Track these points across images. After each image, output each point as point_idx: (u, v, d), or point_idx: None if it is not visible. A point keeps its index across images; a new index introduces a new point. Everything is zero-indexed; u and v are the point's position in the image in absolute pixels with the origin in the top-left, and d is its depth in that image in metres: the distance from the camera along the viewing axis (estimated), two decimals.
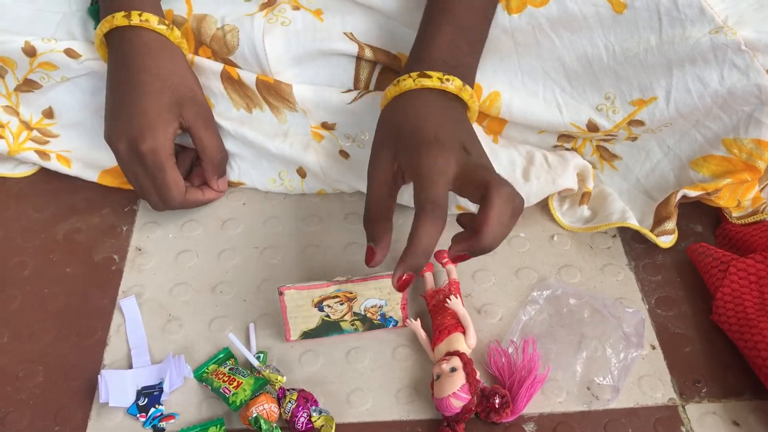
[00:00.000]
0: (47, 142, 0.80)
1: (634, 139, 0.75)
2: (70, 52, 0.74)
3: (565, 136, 0.76)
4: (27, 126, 0.79)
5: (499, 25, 0.68)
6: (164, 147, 0.68)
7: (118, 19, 0.69)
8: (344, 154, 0.75)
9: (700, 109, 0.69)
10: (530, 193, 0.73)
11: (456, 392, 0.57)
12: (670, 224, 0.72)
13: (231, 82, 0.74)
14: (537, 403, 0.61)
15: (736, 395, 0.62)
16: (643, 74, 0.69)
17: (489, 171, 0.58)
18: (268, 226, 0.75)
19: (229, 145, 0.76)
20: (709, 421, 0.60)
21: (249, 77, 0.74)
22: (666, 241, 0.72)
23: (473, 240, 0.56)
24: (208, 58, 0.74)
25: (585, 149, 0.78)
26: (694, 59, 0.66)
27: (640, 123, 0.71)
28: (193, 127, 0.70)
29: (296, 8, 0.73)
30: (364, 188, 0.72)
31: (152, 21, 0.69)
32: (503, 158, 0.74)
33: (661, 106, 0.70)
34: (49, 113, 0.80)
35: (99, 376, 0.62)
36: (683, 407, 0.61)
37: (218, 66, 0.74)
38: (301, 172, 0.77)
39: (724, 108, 0.69)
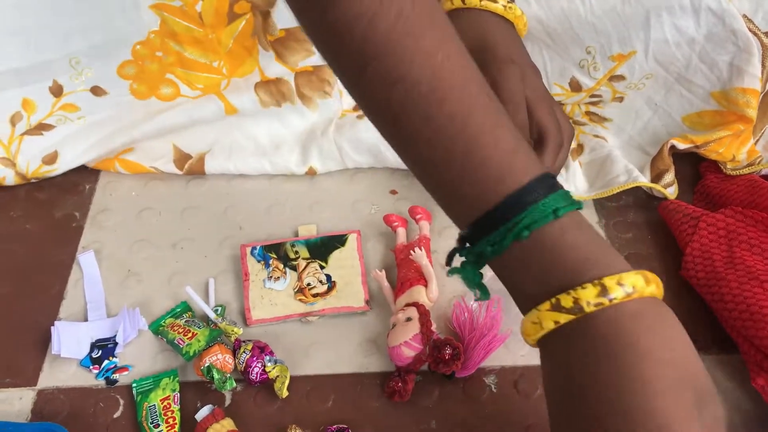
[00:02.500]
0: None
1: (621, 99, 0.74)
2: (96, 90, 0.72)
3: None
4: (23, 178, 0.73)
5: None
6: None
7: (590, 301, 0.39)
8: (361, 117, 0.74)
9: (680, 60, 0.69)
10: None
11: (408, 341, 0.56)
12: (670, 176, 0.71)
13: (265, 84, 0.73)
14: (499, 357, 0.60)
15: (704, 350, 0.60)
16: (622, 26, 0.69)
17: (546, 111, 0.61)
18: (234, 185, 0.74)
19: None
20: None
21: (286, 75, 0.73)
22: (671, 192, 0.71)
23: None
24: (243, 14, 0.70)
25: (574, 114, 0.77)
26: (671, 7, 0.67)
27: (621, 78, 0.72)
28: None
29: None
30: (380, 156, 0.73)
31: (639, 283, 0.41)
32: None
33: (640, 59, 0.70)
34: (51, 159, 0.73)
35: (52, 328, 0.61)
36: None
37: (255, 80, 0.73)
38: (311, 171, 0.75)
39: (704, 58, 0.69)
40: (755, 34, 0.68)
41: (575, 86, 0.74)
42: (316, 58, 0.72)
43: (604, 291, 0.38)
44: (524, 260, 0.41)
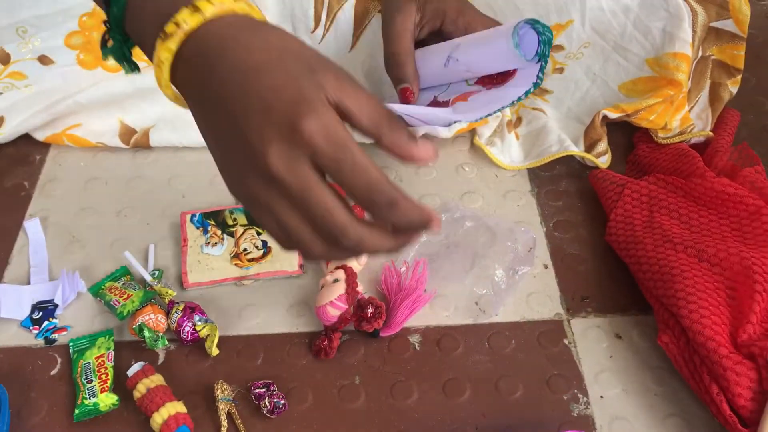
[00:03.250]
0: None
1: (561, 70, 0.76)
2: (43, 59, 0.73)
3: None
4: None
5: None
6: (334, 117, 0.39)
7: (187, 20, 0.41)
8: None
9: (616, 28, 0.72)
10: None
11: (333, 301, 0.58)
12: (602, 145, 0.74)
13: None
14: (424, 317, 0.62)
15: (622, 311, 0.63)
16: None
17: None
18: (179, 156, 0.76)
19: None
20: (593, 335, 0.61)
21: None
22: (603, 161, 0.74)
23: None
24: None
25: None
26: None
27: (561, 47, 0.74)
28: (342, 93, 0.40)
29: None
30: None
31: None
32: None
33: (577, 28, 0.72)
34: None
35: None
36: (568, 321, 0.62)
37: None
38: None
39: (638, 25, 0.71)
40: (685, 0, 0.70)
41: None
42: None
43: (196, 9, 0.41)
44: (142, 10, 0.44)
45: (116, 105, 0.75)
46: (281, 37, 0.42)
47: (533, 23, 0.50)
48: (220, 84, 0.40)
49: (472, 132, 0.77)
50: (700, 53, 0.74)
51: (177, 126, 0.75)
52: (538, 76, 0.50)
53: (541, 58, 0.50)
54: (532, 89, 0.50)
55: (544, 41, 0.50)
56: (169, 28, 0.41)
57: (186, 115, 0.76)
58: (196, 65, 0.41)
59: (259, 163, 0.39)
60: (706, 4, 0.71)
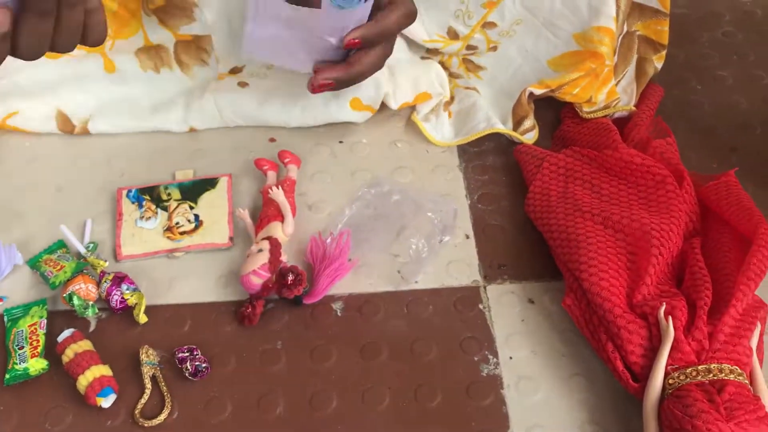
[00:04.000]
0: None
1: (495, 48, 0.78)
2: None
3: (431, 51, 0.79)
4: None
5: None
6: None
7: None
8: (243, 84, 0.78)
9: (545, 3, 0.74)
10: (396, 90, 0.76)
11: (256, 270, 0.61)
12: (529, 122, 0.76)
13: (146, 49, 0.77)
14: (347, 284, 0.65)
15: (536, 278, 0.66)
16: None
17: None
18: (119, 137, 0.78)
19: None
20: (506, 300, 0.64)
21: (168, 41, 0.76)
22: (530, 138, 0.76)
23: (348, 69, 0.60)
24: None
25: (452, 62, 0.81)
26: None
27: (494, 24, 0.76)
28: None
29: None
30: (260, 117, 0.77)
31: None
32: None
33: (509, 4, 0.75)
34: None
35: None
36: (485, 288, 0.65)
37: (137, 46, 0.76)
38: (191, 130, 0.78)
39: (565, 1, 0.73)
40: None
41: (453, 35, 0.78)
42: (196, 26, 0.75)
43: None
44: None
45: (53, 93, 0.77)
46: None
47: None
48: None
49: (411, 109, 0.79)
50: (625, 28, 0.77)
51: (113, 116, 0.77)
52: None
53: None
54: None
55: None
56: None
57: (122, 105, 0.78)
58: None
59: None
60: None
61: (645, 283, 0.56)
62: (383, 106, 0.76)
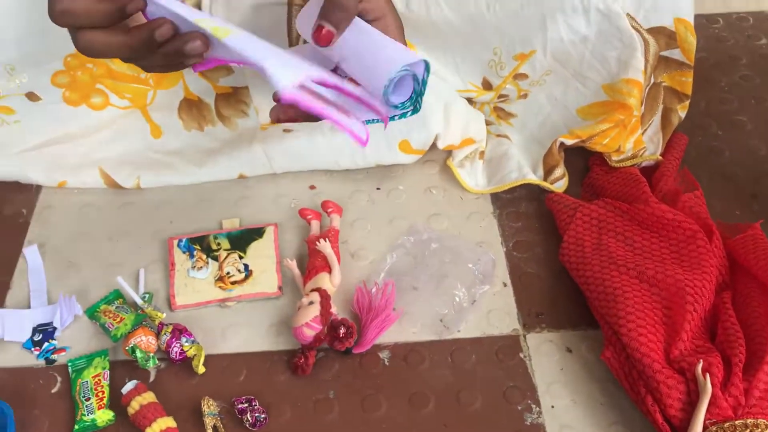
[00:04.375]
0: None
1: (525, 96, 0.82)
2: (31, 96, 0.78)
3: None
4: None
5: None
6: None
7: None
8: (287, 130, 0.81)
9: (575, 56, 0.77)
10: (446, 132, 0.79)
11: (308, 322, 0.64)
12: (559, 170, 0.79)
13: (188, 106, 0.80)
14: (393, 334, 0.68)
15: (573, 326, 0.69)
16: (522, 28, 0.76)
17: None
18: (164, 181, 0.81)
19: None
20: (546, 349, 0.67)
21: (208, 96, 0.80)
22: (559, 186, 0.79)
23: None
24: None
25: (484, 110, 0.85)
26: (563, 8, 0.74)
27: (525, 76, 0.79)
28: None
29: None
30: (310, 161, 0.80)
31: None
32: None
33: (540, 57, 0.78)
34: None
35: None
36: (524, 336, 0.68)
37: (178, 98, 0.79)
38: (241, 177, 0.81)
39: (595, 54, 0.76)
40: (638, 31, 0.75)
41: (486, 85, 0.82)
42: (234, 78, 0.78)
43: None
44: None
45: (99, 162, 0.80)
46: None
47: (421, 72, 0.54)
48: None
49: (446, 154, 0.83)
50: (652, 80, 0.80)
51: (163, 171, 0.80)
52: (392, 117, 0.55)
53: (403, 107, 0.55)
54: (375, 121, 0.55)
55: (414, 95, 0.55)
56: None
57: (170, 160, 0.81)
58: None
59: None
60: (656, 35, 0.77)
61: (681, 339, 0.59)
62: None
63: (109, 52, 0.53)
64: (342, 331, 0.65)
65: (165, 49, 0.52)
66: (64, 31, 0.75)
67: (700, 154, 0.83)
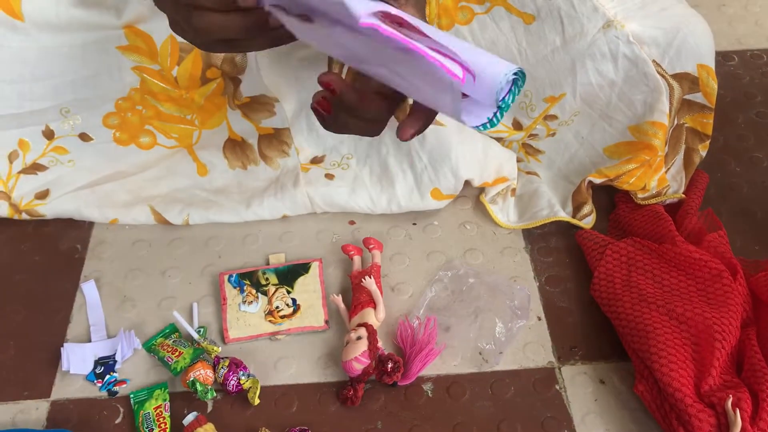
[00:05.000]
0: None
1: (554, 134, 0.86)
2: (83, 136, 0.82)
3: (494, 139, 0.87)
4: (16, 209, 0.83)
5: None
6: None
7: None
8: (329, 176, 0.85)
9: (602, 99, 0.81)
10: (482, 172, 0.83)
11: (357, 356, 0.68)
12: (587, 207, 0.84)
13: (232, 146, 0.84)
14: (435, 367, 0.72)
15: (605, 358, 0.73)
16: (552, 72, 0.80)
17: None
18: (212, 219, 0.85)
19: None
20: (580, 380, 0.71)
21: (251, 137, 0.84)
22: (587, 222, 0.83)
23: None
24: (214, 78, 0.80)
25: (512, 147, 0.89)
26: (593, 54, 0.78)
27: (554, 117, 0.83)
28: None
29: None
30: (348, 207, 0.83)
31: None
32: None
33: (569, 100, 0.82)
34: (43, 195, 0.83)
35: (62, 349, 0.72)
36: (559, 369, 0.72)
37: (222, 138, 0.84)
38: (284, 217, 0.85)
39: (622, 97, 0.80)
40: (663, 76, 0.79)
41: (517, 125, 0.86)
42: (276, 119, 0.83)
43: None
44: None
45: (148, 200, 0.84)
46: None
47: (519, 77, 0.48)
48: None
49: (479, 190, 0.87)
50: (675, 122, 0.84)
51: (210, 210, 0.84)
52: (494, 116, 0.49)
53: (501, 107, 0.49)
54: (482, 127, 0.50)
55: (513, 91, 0.49)
56: None
57: (216, 199, 0.85)
58: None
59: None
60: (681, 80, 0.81)
61: (711, 375, 0.64)
62: None
63: (224, 32, 0.51)
64: (390, 365, 0.69)
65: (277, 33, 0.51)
66: (116, 75, 0.80)
67: (720, 191, 0.87)
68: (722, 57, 1.04)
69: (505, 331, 0.73)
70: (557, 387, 0.71)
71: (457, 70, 0.47)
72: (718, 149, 0.91)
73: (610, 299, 0.73)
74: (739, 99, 0.99)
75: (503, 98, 0.49)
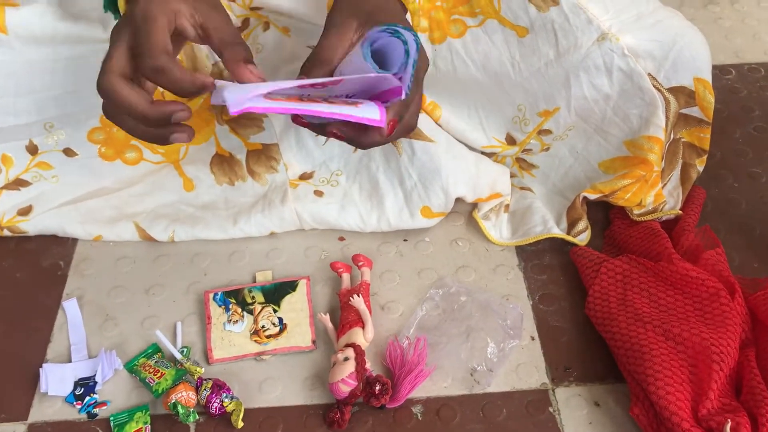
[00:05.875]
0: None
1: (548, 149, 0.84)
2: (68, 152, 0.81)
3: (487, 154, 0.85)
4: None
5: None
6: (160, 7, 0.57)
7: None
8: (319, 193, 0.83)
9: (597, 113, 0.79)
10: (476, 187, 0.81)
11: (344, 378, 0.66)
12: (582, 224, 0.82)
13: (220, 161, 0.83)
14: (425, 388, 0.70)
15: (600, 379, 0.71)
16: (546, 86, 0.78)
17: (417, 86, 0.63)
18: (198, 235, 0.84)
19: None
20: (574, 403, 0.69)
21: (239, 153, 0.82)
22: (582, 239, 0.81)
23: (362, 135, 0.61)
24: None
25: (506, 162, 0.87)
26: (587, 68, 0.76)
27: (548, 131, 0.81)
28: (206, 17, 0.59)
29: (266, 28, 0.81)
30: (337, 224, 0.82)
31: None
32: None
33: (564, 114, 0.80)
34: (26, 211, 0.82)
35: (41, 369, 0.70)
36: (553, 391, 0.70)
37: (210, 153, 0.82)
38: (272, 234, 0.83)
39: (617, 111, 0.78)
40: (659, 90, 0.78)
41: (510, 140, 0.84)
42: (265, 135, 0.81)
43: None
44: None
45: (133, 217, 0.83)
46: None
47: (392, 30, 0.54)
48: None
49: (471, 206, 0.85)
50: (672, 136, 0.82)
51: (196, 226, 0.82)
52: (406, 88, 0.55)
53: (401, 68, 0.55)
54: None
55: (407, 51, 0.54)
56: None
57: (202, 215, 0.83)
58: None
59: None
60: (677, 94, 0.79)
61: (709, 398, 0.61)
62: None
63: (125, 107, 0.58)
64: (378, 387, 0.67)
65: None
66: None
67: (717, 206, 0.86)
68: (719, 71, 1.03)
69: (498, 351, 0.71)
70: (551, 409, 0.69)
71: (374, 114, 0.54)
72: (716, 164, 0.90)
73: (605, 318, 0.71)
74: (736, 113, 0.97)
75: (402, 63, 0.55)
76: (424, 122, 0.80)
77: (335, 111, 0.54)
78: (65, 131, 0.80)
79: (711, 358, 0.63)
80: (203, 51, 0.79)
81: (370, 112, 0.54)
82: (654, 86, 0.77)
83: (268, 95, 0.54)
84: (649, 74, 0.77)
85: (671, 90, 0.78)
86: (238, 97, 0.53)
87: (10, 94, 0.78)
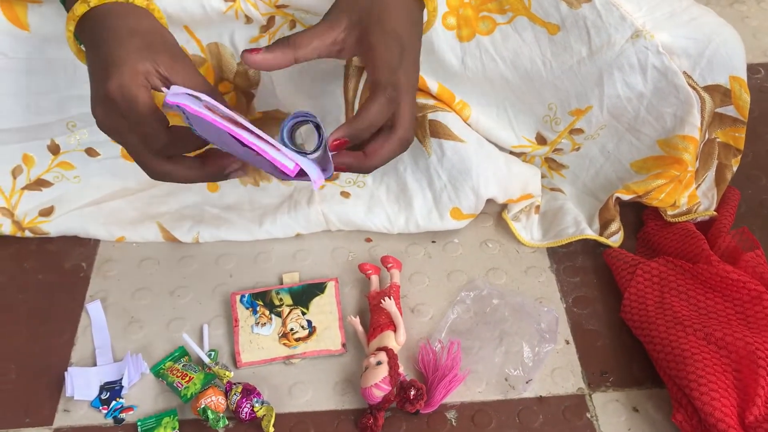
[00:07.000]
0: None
1: (578, 148, 0.82)
2: (90, 151, 0.79)
3: (516, 154, 0.84)
4: (19, 227, 0.80)
5: (452, 51, 0.76)
6: (133, 81, 0.57)
7: (78, 7, 0.61)
8: (345, 194, 0.82)
9: (630, 112, 0.77)
10: (507, 187, 0.80)
11: (378, 383, 0.64)
12: (615, 225, 0.80)
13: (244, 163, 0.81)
14: (459, 393, 0.68)
15: (638, 384, 0.69)
16: (579, 84, 0.76)
17: (411, 108, 0.62)
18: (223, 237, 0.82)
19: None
20: (612, 408, 0.67)
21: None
22: (615, 240, 0.80)
23: (362, 160, 0.62)
24: (226, 92, 0.77)
25: (535, 162, 0.85)
26: (621, 65, 0.74)
27: (580, 131, 0.80)
28: (170, 70, 0.59)
29: (292, 27, 0.79)
30: (364, 225, 0.81)
31: None
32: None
33: (596, 113, 0.78)
34: (47, 212, 0.81)
35: (66, 373, 0.69)
36: (590, 396, 0.68)
37: None
38: (297, 235, 0.82)
39: (650, 110, 0.77)
40: (694, 88, 0.76)
41: (540, 140, 0.82)
42: None
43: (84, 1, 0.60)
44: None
45: (157, 217, 0.81)
46: (139, 22, 0.61)
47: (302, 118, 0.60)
48: (88, 48, 0.61)
49: (501, 207, 0.83)
50: (707, 136, 0.81)
51: (221, 228, 0.81)
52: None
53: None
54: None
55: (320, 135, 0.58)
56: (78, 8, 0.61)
57: (228, 216, 0.82)
58: (84, 35, 0.62)
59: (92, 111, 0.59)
60: (712, 93, 0.77)
61: (756, 404, 0.60)
62: None
63: (183, 180, 0.63)
64: (412, 392, 0.65)
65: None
66: None
67: (751, 207, 0.84)
68: (748, 70, 0.99)
69: (533, 355, 0.70)
70: (588, 415, 0.67)
71: (288, 163, 0.56)
72: (748, 164, 0.88)
73: (643, 322, 0.70)
74: (767, 113, 0.95)
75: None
76: (453, 122, 0.78)
77: (256, 143, 0.56)
78: (87, 131, 0.79)
79: (757, 363, 0.62)
80: (228, 50, 0.78)
81: (284, 159, 0.56)
82: (689, 84, 0.75)
83: (209, 106, 0.56)
84: (684, 72, 0.75)
85: (706, 88, 0.77)
86: (182, 92, 0.56)
87: (31, 93, 0.76)
